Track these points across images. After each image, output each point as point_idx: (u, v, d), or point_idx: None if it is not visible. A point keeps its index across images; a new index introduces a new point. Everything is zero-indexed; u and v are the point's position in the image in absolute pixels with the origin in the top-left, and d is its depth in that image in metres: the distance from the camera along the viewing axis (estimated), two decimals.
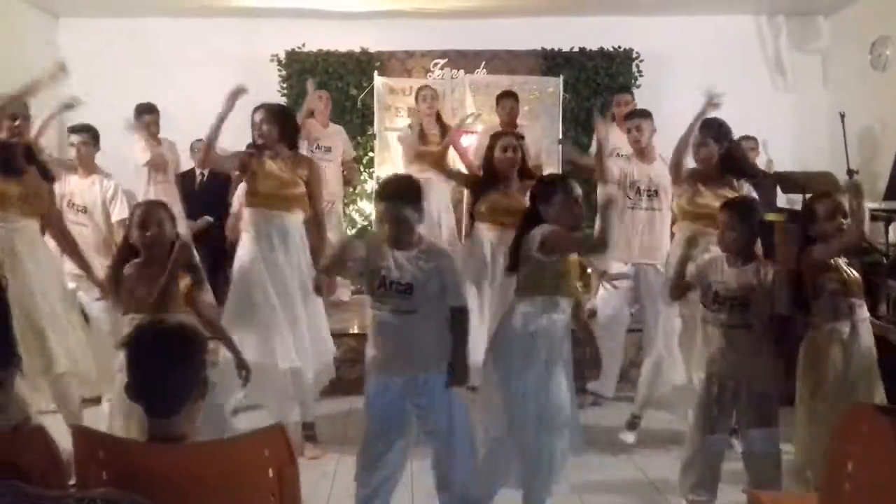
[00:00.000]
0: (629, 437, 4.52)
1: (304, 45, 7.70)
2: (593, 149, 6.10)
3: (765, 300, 3.33)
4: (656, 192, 4.65)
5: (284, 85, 7.71)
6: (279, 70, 7.71)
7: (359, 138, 7.58)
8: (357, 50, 7.77)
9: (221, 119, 4.27)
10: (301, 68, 7.70)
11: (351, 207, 7.41)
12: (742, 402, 3.36)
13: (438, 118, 6.33)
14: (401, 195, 3.10)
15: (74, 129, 5.11)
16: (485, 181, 4.58)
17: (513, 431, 3.25)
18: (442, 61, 7.81)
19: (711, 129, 4.32)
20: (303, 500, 1.98)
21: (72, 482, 1.92)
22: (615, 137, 6.08)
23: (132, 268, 3.37)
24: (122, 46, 7.59)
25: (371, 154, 7.65)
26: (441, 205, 6.21)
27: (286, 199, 4.25)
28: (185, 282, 3.42)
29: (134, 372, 1.95)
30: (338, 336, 5.42)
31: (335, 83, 7.69)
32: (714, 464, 3.44)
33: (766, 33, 7.96)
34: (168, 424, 1.92)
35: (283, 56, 7.71)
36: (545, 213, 3.28)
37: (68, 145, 5.29)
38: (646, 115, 4.87)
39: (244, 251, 4.29)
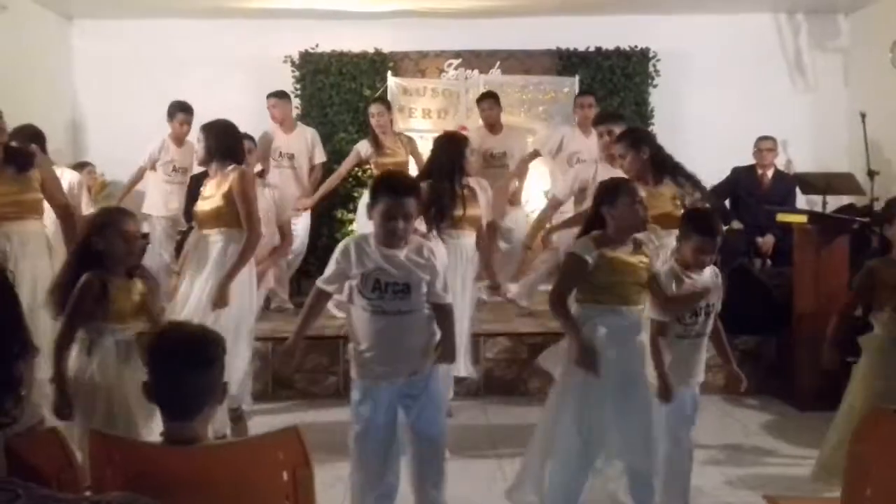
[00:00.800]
0: None
1: (317, 45, 7.70)
2: None
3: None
4: None
5: (298, 86, 7.70)
6: (293, 71, 7.71)
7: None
8: (371, 50, 7.75)
9: None
10: (314, 69, 7.69)
11: (351, 205, 7.31)
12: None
13: (393, 132, 6.46)
14: (409, 190, 3.05)
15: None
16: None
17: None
18: (456, 61, 7.79)
19: (625, 139, 4.31)
20: (317, 503, 1.97)
21: (86, 484, 1.92)
22: (576, 142, 6.08)
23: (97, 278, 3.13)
24: (135, 48, 7.61)
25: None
26: None
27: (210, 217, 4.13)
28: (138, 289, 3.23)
29: (155, 374, 1.95)
30: (343, 337, 5.39)
31: (348, 84, 7.68)
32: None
33: (786, 32, 7.89)
34: (184, 427, 1.92)
35: (296, 57, 7.71)
36: (608, 214, 3.27)
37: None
38: (617, 118, 4.84)
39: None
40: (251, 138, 5.64)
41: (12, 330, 1.12)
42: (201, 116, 6.60)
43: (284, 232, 4.76)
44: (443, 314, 3.14)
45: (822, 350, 3.93)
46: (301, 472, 1.93)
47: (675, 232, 3.45)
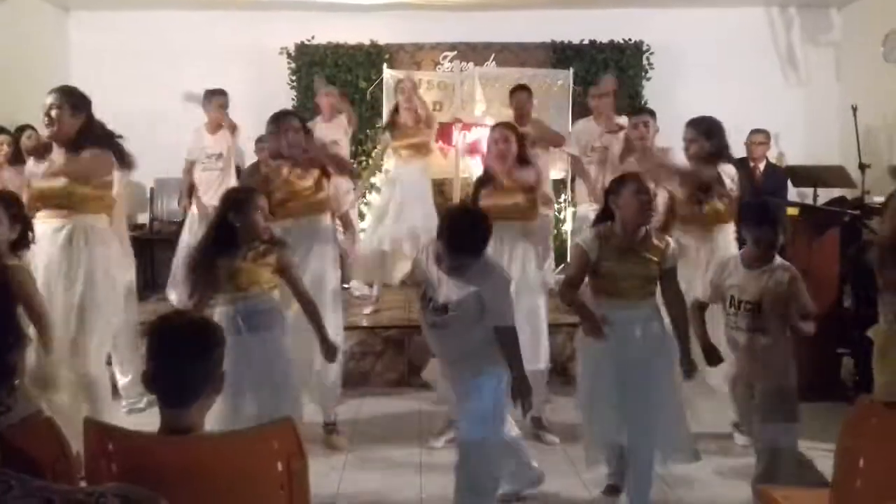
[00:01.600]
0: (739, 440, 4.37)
1: (313, 37, 7.69)
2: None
3: (779, 304, 3.29)
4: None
5: (294, 78, 7.70)
6: (288, 63, 7.70)
7: (367, 131, 7.58)
8: (366, 42, 7.75)
9: None
10: (310, 61, 7.69)
11: (359, 201, 7.36)
12: (762, 400, 3.32)
13: (415, 110, 6.32)
14: (477, 243, 3.06)
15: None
16: (483, 177, 4.44)
17: None
18: (451, 54, 7.79)
19: (702, 126, 4.31)
20: (311, 493, 1.98)
21: (81, 475, 1.93)
22: (590, 130, 6.07)
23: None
24: (132, 40, 7.59)
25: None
26: (413, 193, 6.15)
27: (309, 204, 4.25)
28: (270, 258, 3.46)
29: (153, 361, 1.97)
30: (350, 329, 5.42)
31: (344, 76, 7.68)
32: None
33: (778, 26, 7.90)
34: (180, 415, 1.93)
35: (292, 49, 7.70)
36: (614, 208, 3.33)
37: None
38: (652, 113, 4.87)
39: None
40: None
41: (7, 321, 1.12)
42: (197, 108, 6.60)
43: (346, 222, 4.89)
44: (499, 338, 3.15)
45: None
46: (295, 463, 1.94)
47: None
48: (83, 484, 1.90)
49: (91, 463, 1.90)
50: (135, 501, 1.07)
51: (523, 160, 4.31)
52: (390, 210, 6.10)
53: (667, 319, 3.41)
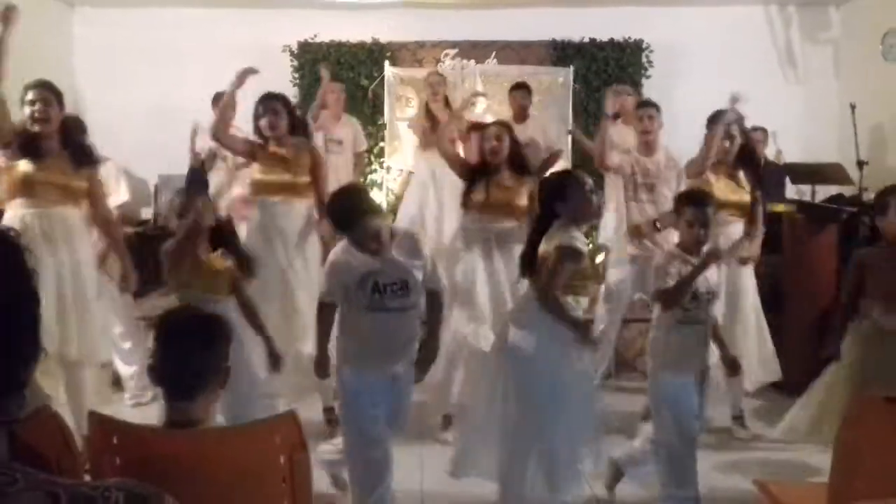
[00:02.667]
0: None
1: (315, 35, 7.70)
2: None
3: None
4: (653, 186, 4.72)
5: (297, 75, 7.72)
6: (291, 61, 7.72)
7: (369, 128, 7.58)
8: (368, 40, 7.76)
9: (231, 95, 4.53)
10: (313, 59, 7.70)
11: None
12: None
13: (446, 103, 6.34)
14: (372, 207, 3.08)
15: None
16: (476, 171, 4.43)
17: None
18: (453, 51, 7.80)
19: (740, 122, 4.40)
20: (313, 487, 2.00)
21: (85, 468, 1.94)
22: (616, 132, 6.10)
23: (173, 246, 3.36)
24: (136, 37, 7.60)
25: (382, 144, 7.65)
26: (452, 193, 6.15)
27: (291, 187, 4.33)
28: (226, 264, 3.43)
29: (159, 354, 1.99)
30: None
31: (346, 73, 7.68)
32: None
33: (777, 23, 7.91)
34: (186, 409, 1.95)
35: (295, 47, 7.72)
36: (561, 210, 3.20)
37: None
38: (657, 106, 4.90)
39: (252, 239, 4.32)
40: None
41: (31, 332, 1.11)
42: (200, 105, 6.61)
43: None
44: (432, 300, 3.18)
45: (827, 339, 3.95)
46: (297, 456, 1.96)
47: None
48: (88, 477, 1.92)
49: (96, 456, 1.92)
50: (139, 496, 1.07)
51: (515, 162, 4.35)
52: (426, 217, 6.08)
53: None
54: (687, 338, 3.25)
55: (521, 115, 6.13)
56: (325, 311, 3.19)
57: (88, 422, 1.96)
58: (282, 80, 7.39)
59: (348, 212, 3.03)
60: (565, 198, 3.20)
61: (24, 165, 3.90)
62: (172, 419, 1.95)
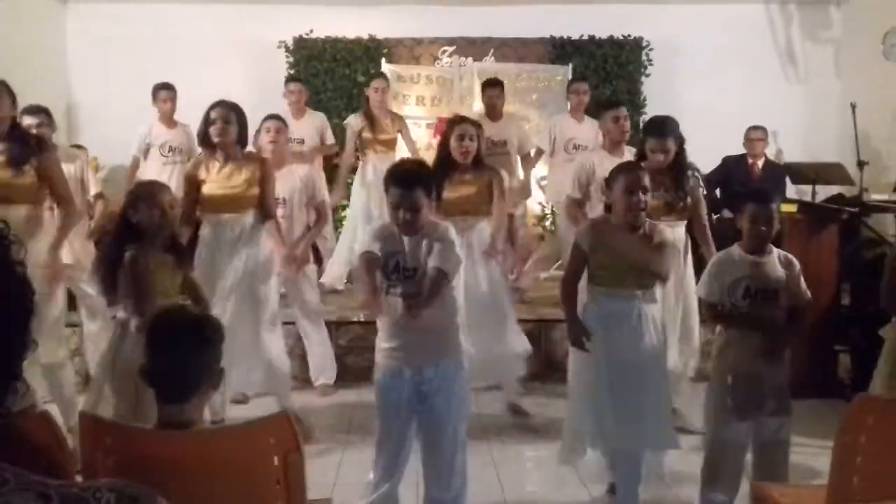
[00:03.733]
0: None
1: (311, 31, 7.67)
2: None
3: (792, 291, 3.24)
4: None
5: (292, 71, 7.68)
6: (287, 56, 7.69)
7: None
8: (365, 37, 7.74)
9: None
10: (309, 55, 7.68)
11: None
12: (762, 394, 3.23)
13: (388, 109, 6.49)
14: (417, 180, 3.04)
15: (29, 111, 4.74)
16: (440, 170, 4.27)
17: None
18: (450, 48, 7.78)
19: (673, 131, 4.16)
20: (307, 488, 1.98)
21: (77, 468, 1.92)
22: (571, 128, 6.16)
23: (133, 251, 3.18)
24: (130, 32, 7.57)
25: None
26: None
27: (237, 201, 4.19)
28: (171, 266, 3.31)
29: (151, 356, 1.97)
30: (344, 324, 5.43)
31: (342, 70, 7.67)
32: (739, 459, 3.32)
33: (778, 22, 7.90)
34: (179, 410, 1.94)
35: (290, 42, 7.69)
36: (609, 199, 3.35)
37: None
38: (622, 103, 5.00)
39: (199, 257, 4.20)
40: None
41: (23, 326, 1.11)
42: (196, 101, 6.50)
43: (320, 211, 4.81)
44: (432, 276, 3.02)
45: None
46: (292, 457, 1.94)
47: None
48: (79, 478, 1.89)
49: (87, 457, 1.90)
50: (131, 497, 1.06)
51: (478, 162, 4.47)
52: (373, 212, 6.04)
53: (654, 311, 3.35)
54: (742, 338, 3.21)
55: (495, 112, 6.13)
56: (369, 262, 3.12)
57: (80, 422, 1.94)
58: (277, 75, 7.38)
59: (389, 175, 3.08)
60: (611, 188, 3.32)
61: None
62: (165, 420, 1.93)
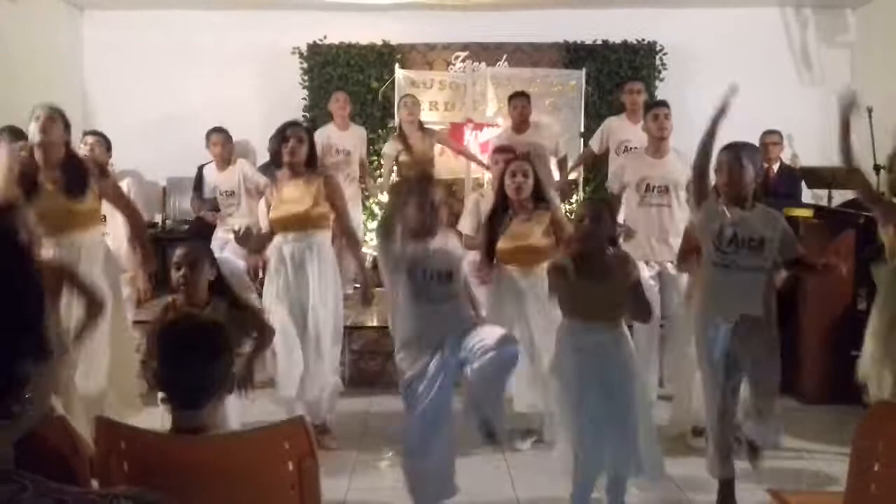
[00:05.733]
0: None
1: (325, 37, 7.70)
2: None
3: (781, 243, 3.35)
4: (667, 188, 4.60)
5: (306, 77, 7.72)
6: (301, 62, 7.72)
7: (379, 131, 7.58)
8: (378, 42, 7.76)
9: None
10: (323, 61, 7.70)
11: (371, 200, 7.39)
12: (755, 342, 3.35)
13: (420, 125, 6.50)
14: (432, 182, 3.14)
15: (90, 132, 4.95)
16: (499, 210, 4.17)
17: None
18: (463, 54, 7.79)
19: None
20: (322, 494, 1.98)
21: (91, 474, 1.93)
22: (624, 131, 6.09)
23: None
24: (145, 39, 7.62)
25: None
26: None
27: (309, 219, 4.19)
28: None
29: (165, 363, 1.97)
30: (357, 328, 5.44)
31: (356, 76, 7.69)
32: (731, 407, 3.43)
33: (793, 26, 7.86)
34: (193, 417, 1.94)
35: (304, 48, 7.72)
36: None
37: (80, 145, 5.21)
38: (668, 105, 4.85)
39: (269, 277, 4.26)
40: (222, 130, 5.78)
41: (31, 330, 1.10)
42: (210, 107, 6.62)
43: (350, 232, 4.62)
44: None
45: None
46: (306, 463, 1.93)
47: None
48: (95, 483, 1.90)
49: (102, 462, 1.90)
50: None
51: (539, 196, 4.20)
52: None
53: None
54: (723, 281, 3.33)
55: (523, 125, 6.06)
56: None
57: (95, 427, 1.95)
58: (291, 82, 7.42)
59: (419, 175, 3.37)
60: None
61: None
62: (179, 426, 1.94)
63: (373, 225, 7.31)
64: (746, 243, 3.32)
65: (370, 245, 7.34)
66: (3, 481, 1.01)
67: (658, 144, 4.67)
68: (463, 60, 7.78)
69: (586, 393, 3.14)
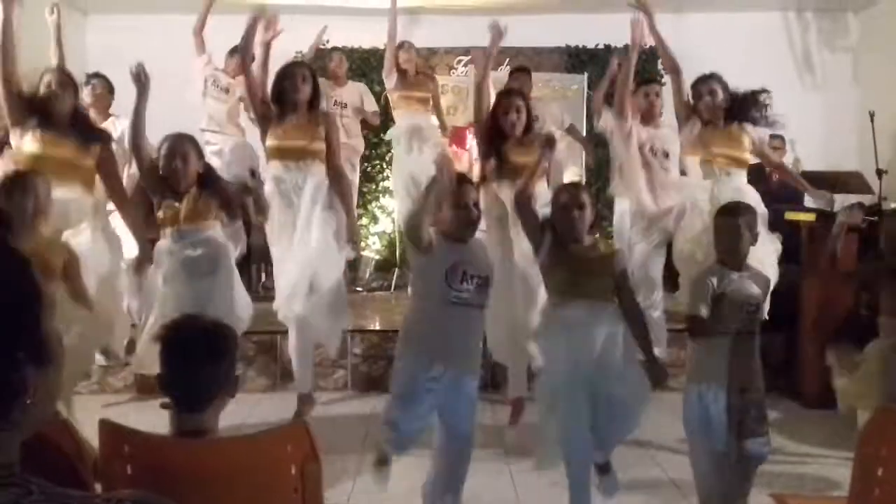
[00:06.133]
0: None
1: (328, 41, 7.71)
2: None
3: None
4: (666, 154, 4.98)
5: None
6: None
7: (381, 135, 7.58)
8: (381, 46, 7.74)
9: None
10: (325, 65, 7.70)
11: (373, 204, 7.41)
12: (746, 407, 3.12)
13: (417, 69, 6.67)
14: (471, 182, 3.13)
15: (93, 75, 5.37)
16: (494, 138, 4.47)
17: None
18: (465, 58, 7.80)
19: (714, 80, 4.81)
20: (324, 497, 1.98)
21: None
22: (639, 133, 6.07)
23: None
24: (149, 43, 7.61)
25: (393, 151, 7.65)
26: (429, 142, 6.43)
27: (307, 151, 4.44)
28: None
29: (168, 366, 1.97)
30: (360, 332, 5.44)
31: (358, 79, 7.69)
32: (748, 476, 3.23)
33: (795, 30, 7.87)
34: (196, 419, 1.94)
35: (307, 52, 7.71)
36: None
37: (85, 88, 5.37)
38: (656, 80, 5.04)
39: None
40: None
41: (19, 332, 1.09)
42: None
43: (338, 170, 4.82)
44: None
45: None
46: (309, 467, 1.93)
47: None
48: (98, 486, 1.90)
49: (106, 465, 1.91)
50: None
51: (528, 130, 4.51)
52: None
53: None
54: (714, 348, 3.11)
55: None
56: None
57: (99, 429, 1.95)
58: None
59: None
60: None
61: None
62: (182, 428, 1.94)
63: (375, 228, 7.34)
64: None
65: (371, 249, 7.37)
66: (8, 485, 1.01)
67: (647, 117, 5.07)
68: (465, 65, 7.79)
69: (573, 372, 3.09)
